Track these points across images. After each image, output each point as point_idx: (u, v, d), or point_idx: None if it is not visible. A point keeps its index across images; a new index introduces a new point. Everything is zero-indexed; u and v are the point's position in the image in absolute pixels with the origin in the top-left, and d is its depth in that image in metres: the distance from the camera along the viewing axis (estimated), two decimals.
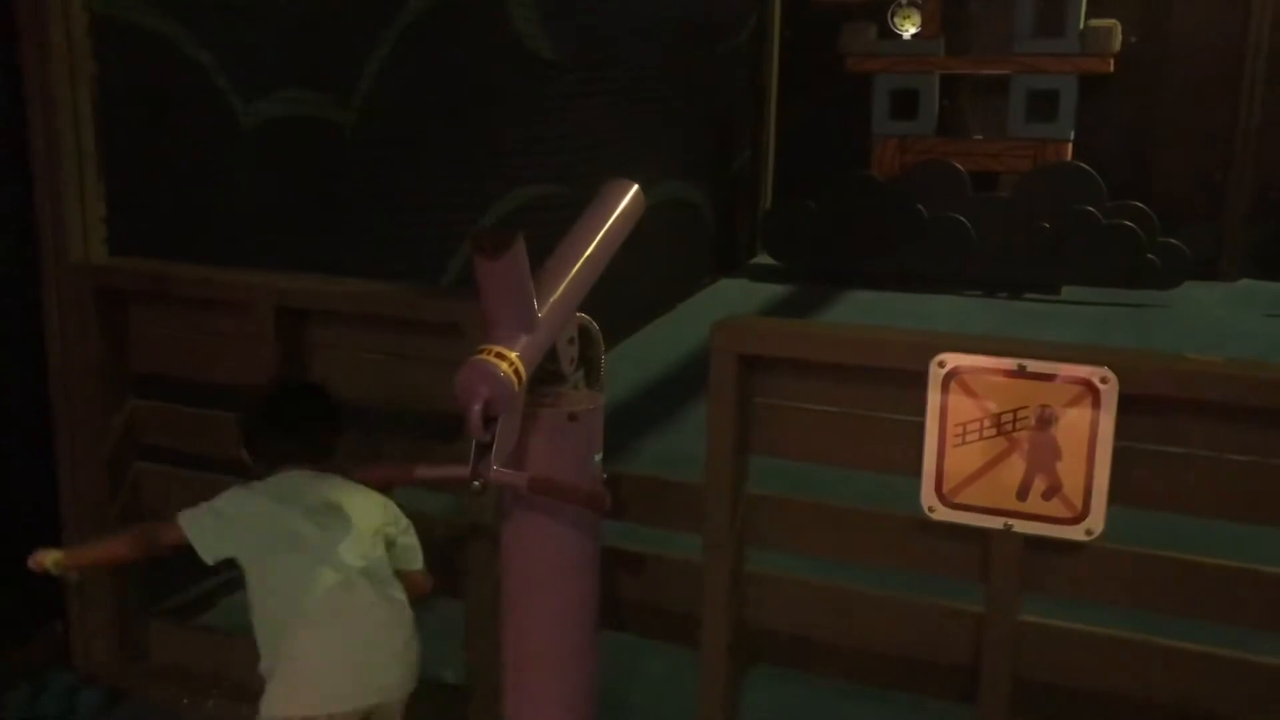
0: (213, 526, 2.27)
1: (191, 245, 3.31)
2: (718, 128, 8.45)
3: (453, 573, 2.52)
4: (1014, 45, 8.20)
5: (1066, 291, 7.85)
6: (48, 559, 2.33)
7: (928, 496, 2.12)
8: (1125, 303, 7.54)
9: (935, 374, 2.06)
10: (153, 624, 3.08)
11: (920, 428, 2.10)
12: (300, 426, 2.38)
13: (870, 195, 8.14)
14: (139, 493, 3.01)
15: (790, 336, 2.27)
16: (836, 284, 8.15)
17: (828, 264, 8.32)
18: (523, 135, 5.44)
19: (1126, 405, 1.96)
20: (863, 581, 2.32)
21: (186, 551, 2.30)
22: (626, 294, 5.97)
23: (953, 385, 2.06)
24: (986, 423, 2.05)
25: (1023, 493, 2.05)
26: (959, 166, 8.04)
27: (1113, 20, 8.03)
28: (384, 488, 2.37)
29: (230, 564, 2.30)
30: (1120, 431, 1.97)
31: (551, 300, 2.04)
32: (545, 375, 2.09)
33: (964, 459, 2.08)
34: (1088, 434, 1.98)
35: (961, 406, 2.06)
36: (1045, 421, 2.01)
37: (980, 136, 8.53)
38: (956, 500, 2.10)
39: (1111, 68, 8.06)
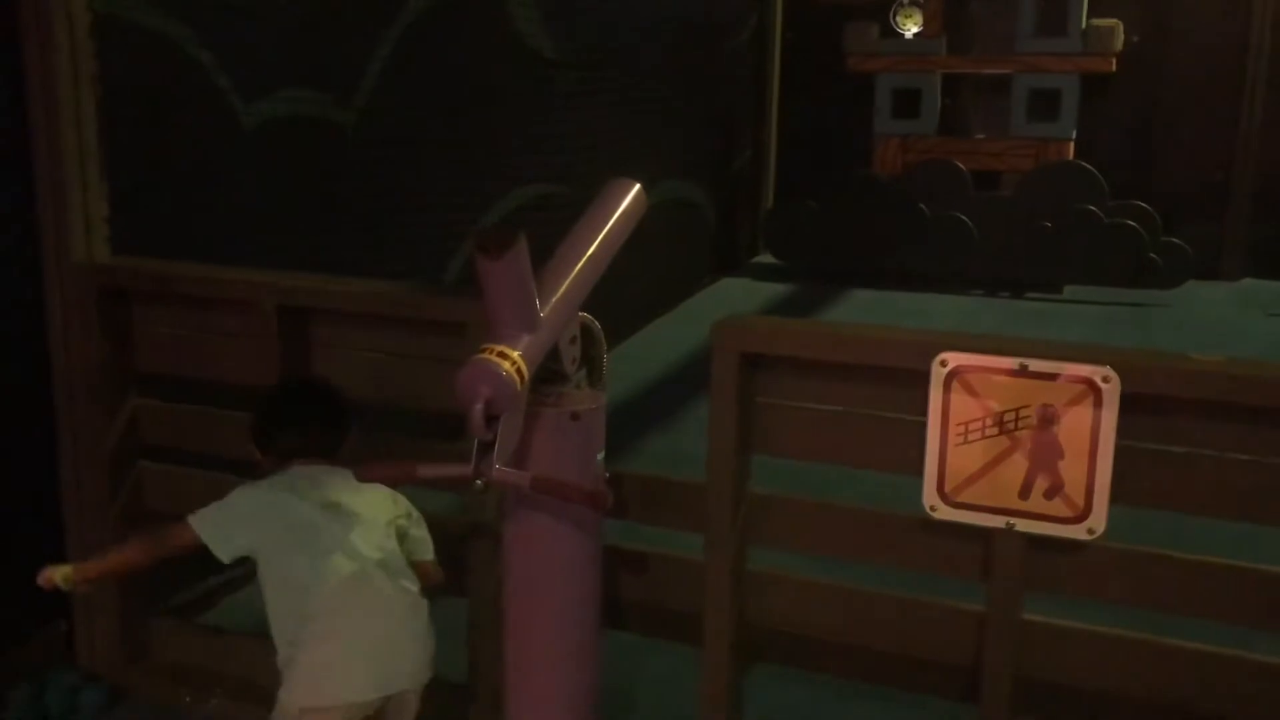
0: (226, 524, 2.29)
1: (193, 244, 3.32)
2: (719, 127, 8.45)
3: (455, 571, 2.52)
4: (1016, 44, 8.20)
5: (1068, 291, 7.85)
6: (57, 574, 2.31)
7: (930, 495, 2.12)
8: (1127, 302, 7.54)
9: (937, 373, 2.07)
10: (155, 623, 3.09)
11: (922, 427, 2.10)
12: (310, 422, 2.42)
13: (872, 194, 8.14)
14: (142, 492, 3.01)
15: (792, 336, 2.27)
16: (838, 283, 8.15)
17: (829, 263, 8.32)
18: (524, 135, 5.44)
19: (1129, 404, 1.96)
20: (865, 580, 2.32)
21: (198, 553, 2.31)
22: (628, 293, 5.98)
23: (955, 384, 2.06)
24: (988, 422, 2.05)
25: (1025, 492, 2.05)
26: (961, 166, 8.04)
27: (1115, 20, 8.03)
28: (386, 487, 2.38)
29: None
30: (1122, 431, 1.97)
31: (553, 299, 2.04)
32: (547, 374, 2.09)
33: (966, 458, 2.08)
34: (1090, 433, 1.98)
35: (963, 406, 2.06)
36: (1047, 421, 2.01)
37: (982, 136, 8.53)
38: (958, 499, 2.10)
39: (1114, 67, 8.06)
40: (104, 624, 3.00)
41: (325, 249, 3.95)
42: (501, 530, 2.23)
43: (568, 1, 5.75)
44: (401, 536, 2.38)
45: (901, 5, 8.55)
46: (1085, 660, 2.13)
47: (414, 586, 2.33)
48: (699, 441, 2.33)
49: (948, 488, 2.10)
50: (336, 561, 2.24)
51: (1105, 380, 1.96)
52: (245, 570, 3.32)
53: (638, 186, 2.29)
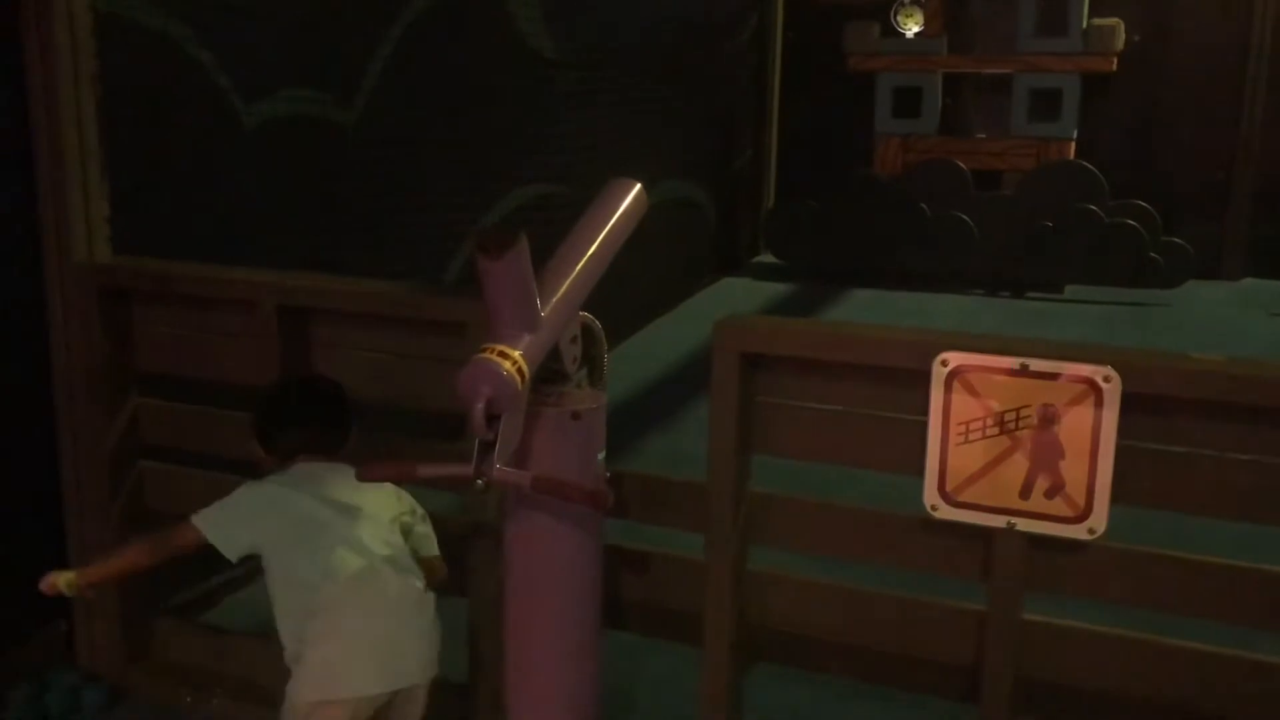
0: (231, 522, 2.30)
1: (194, 244, 3.32)
2: (720, 126, 8.45)
3: (456, 571, 2.52)
4: (1017, 44, 8.20)
5: (1069, 290, 7.85)
6: (60, 580, 2.31)
7: (930, 495, 2.12)
8: (1128, 302, 7.54)
9: (938, 373, 2.07)
10: (156, 622, 3.09)
11: (923, 426, 2.10)
12: (313, 419, 2.44)
13: (873, 194, 8.14)
14: (142, 492, 3.01)
15: (793, 335, 2.27)
16: (839, 283, 8.16)
17: (830, 263, 8.32)
18: (524, 134, 5.44)
19: (1129, 404, 1.96)
20: (865, 580, 2.32)
21: (202, 553, 2.32)
22: (629, 293, 5.98)
23: (955, 384, 2.06)
24: (989, 421, 2.05)
25: (1025, 492, 2.05)
26: (962, 165, 8.04)
27: (1116, 19, 8.03)
28: None
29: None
30: (1123, 430, 1.97)
31: (554, 299, 2.04)
32: (548, 374, 2.09)
33: (967, 458, 2.08)
34: (1090, 433, 1.98)
35: (964, 405, 2.06)
36: (1048, 420, 2.01)
37: (983, 135, 8.53)
38: (959, 499, 2.10)
39: (1114, 67, 8.06)
40: (105, 624, 3.00)
41: (326, 249, 3.96)
42: (502, 530, 2.23)
43: (569, 1, 5.75)
44: (406, 533, 2.40)
45: (902, 5, 8.55)
46: (1086, 660, 2.13)
47: (420, 582, 2.34)
48: (700, 441, 2.33)
49: (949, 487, 2.10)
50: (345, 557, 2.26)
51: (1106, 380, 1.96)
52: (245, 570, 3.34)
53: (638, 186, 2.29)
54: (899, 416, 2.15)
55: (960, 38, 8.52)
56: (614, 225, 2.21)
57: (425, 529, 2.46)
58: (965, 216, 7.85)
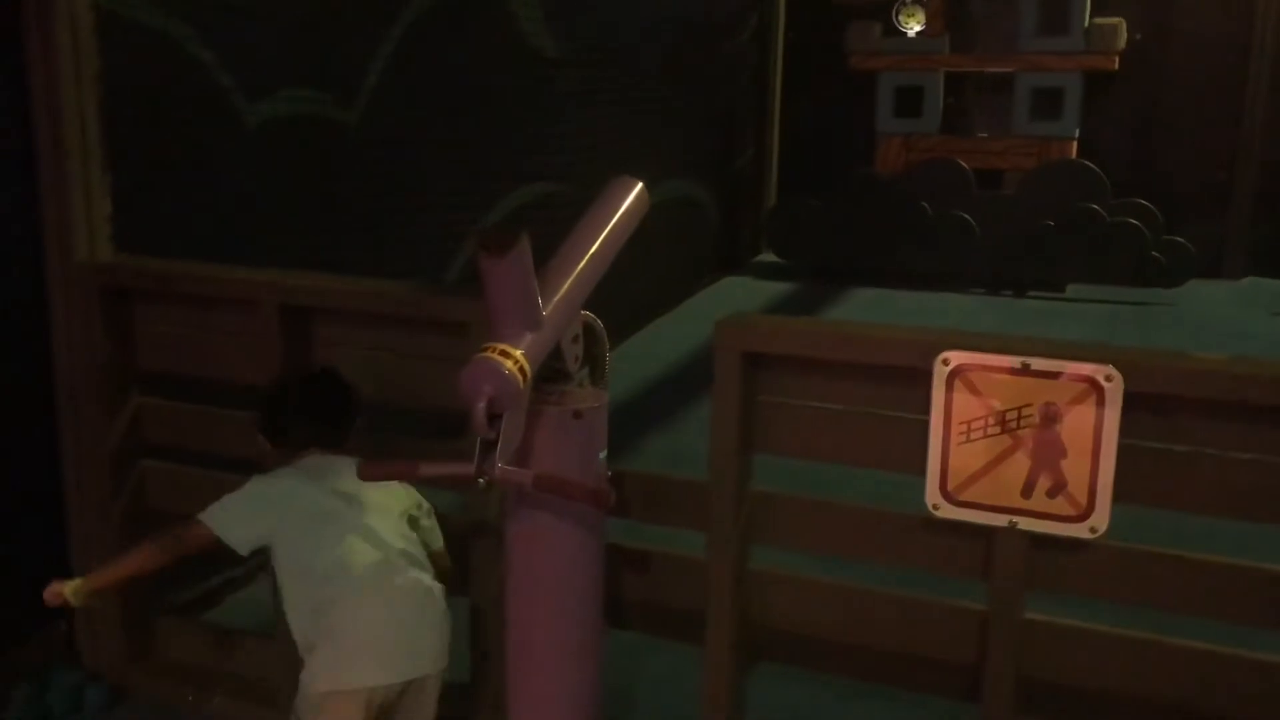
0: (241, 516, 2.32)
1: (196, 243, 3.32)
2: (721, 126, 8.45)
3: (457, 570, 2.53)
4: (1019, 43, 8.21)
5: (1071, 289, 7.85)
6: (66, 589, 2.29)
7: (932, 494, 2.12)
8: (1130, 301, 7.54)
9: (940, 372, 2.06)
10: (158, 621, 3.09)
11: (924, 426, 2.10)
12: (320, 412, 2.44)
13: (874, 193, 8.14)
14: (144, 491, 3.01)
15: (794, 334, 2.27)
16: (840, 282, 8.16)
17: (831, 262, 8.32)
18: (526, 134, 5.44)
19: (1131, 403, 1.96)
20: (867, 579, 2.32)
21: (213, 550, 2.32)
22: (631, 292, 5.98)
23: (957, 383, 2.06)
24: (991, 420, 2.05)
25: (1027, 490, 2.05)
26: (963, 164, 8.04)
27: (1118, 18, 8.03)
28: None
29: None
30: (1125, 429, 1.97)
31: (556, 298, 2.04)
32: (550, 373, 2.09)
33: (968, 457, 2.08)
34: (1092, 432, 1.98)
35: (966, 404, 2.06)
36: (1050, 419, 2.01)
37: (985, 134, 8.53)
38: (961, 498, 2.10)
39: (1116, 65, 8.06)
40: (106, 623, 3.00)
41: (327, 248, 3.96)
42: (504, 529, 2.23)
43: (570, 1, 5.75)
44: (413, 527, 2.42)
45: (904, 4, 8.55)
46: (1087, 659, 2.13)
47: (431, 573, 2.36)
48: (701, 440, 2.33)
49: (950, 486, 2.10)
50: (359, 549, 2.27)
51: (1108, 379, 1.96)
52: (246, 570, 3.34)
53: (640, 185, 2.29)
54: (900, 415, 2.15)
55: (962, 37, 8.53)
56: (615, 224, 2.21)
57: (431, 523, 2.48)
58: (967, 216, 7.85)
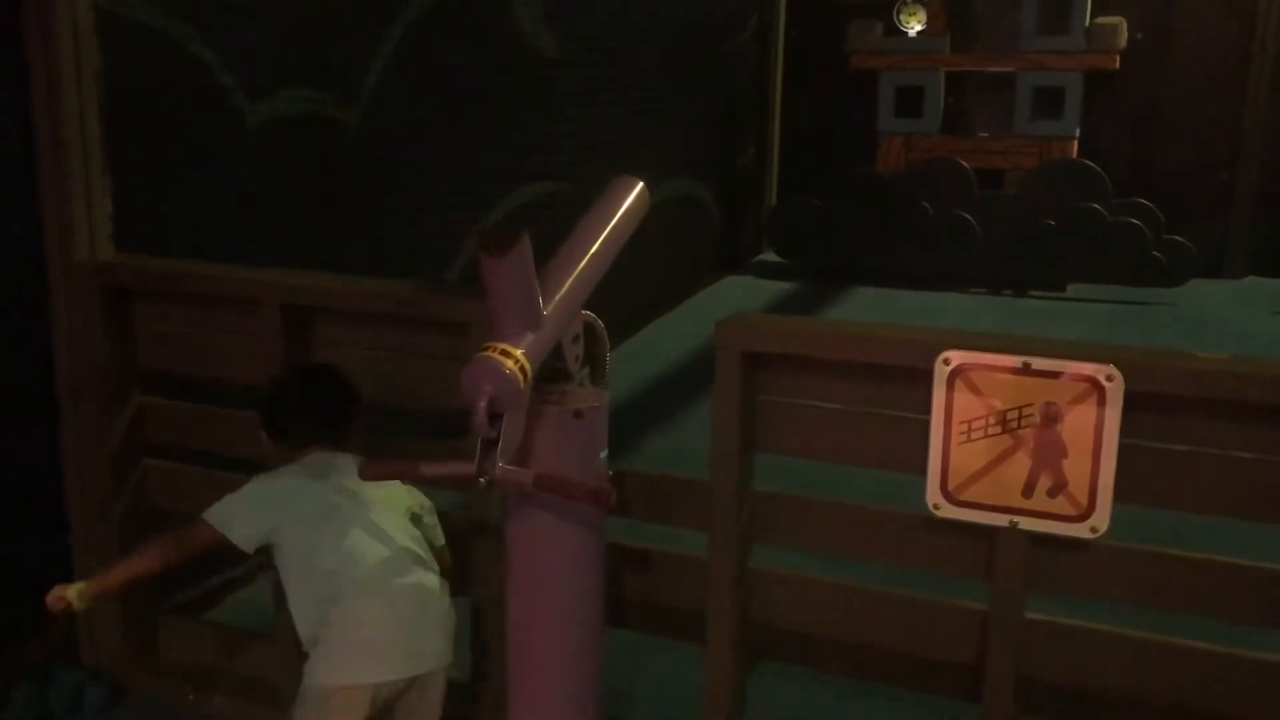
0: (246, 514, 2.32)
1: (197, 242, 3.32)
2: (722, 125, 8.45)
3: (458, 569, 2.53)
4: (1020, 42, 8.20)
5: (1072, 289, 7.85)
6: (70, 593, 2.28)
7: (933, 494, 2.12)
8: (1131, 300, 7.53)
9: (940, 371, 2.06)
10: (158, 621, 3.09)
11: (925, 425, 2.10)
12: (322, 408, 2.45)
13: (875, 192, 8.14)
14: (145, 490, 3.01)
15: (795, 334, 2.27)
16: (841, 281, 8.16)
17: (832, 261, 8.32)
18: (527, 133, 5.44)
19: (1132, 403, 1.96)
20: (868, 579, 2.33)
21: (219, 549, 2.32)
22: (631, 291, 5.98)
23: (958, 383, 2.06)
24: (992, 420, 2.05)
25: (1028, 490, 2.05)
26: (964, 164, 8.03)
27: (1119, 17, 8.03)
28: None
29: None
30: (1126, 429, 1.97)
31: (557, 298, 2.04)
32: (550, 373, 2.10)
33: (969, 456, 2.08)
34: (1093, 431, 1.98)
35: (967, 404, 2.06)
36: (1051, 419, 2.01)
37: (986, 134, 8.53)
38: (962, 498, 2.10)
39: (1117, 65, 8.06)
40: (108, 621, 3.00)
41: (328, 248, 3.96)
42: (504, 528, 2.23)
43: (571, 1, 5.75)
44: (415, 525, 2.43)
45: (905, 3, 8.55)
46: (1088, 659, 2.13)
47: (436, 569, 2.36)
48: (702, 440, 2.33)
49: (951, 486, 2.10)
50: (366, 545, 2.28)
51: (1109, 378, 1.96)
52: (245, 570, 3.34)
53: (641, 184, 2.29)
54: (901, 415, 2.16)
55: (963, 36, 8.52)
56: (616, 224, 2.21)
57: (432, 520, 2.49)
58: (968, 215, 7.84)
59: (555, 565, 2.18)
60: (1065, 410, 2.00)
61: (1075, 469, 2.01)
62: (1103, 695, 2.13)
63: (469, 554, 2.57)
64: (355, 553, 2.26)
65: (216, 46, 3.43)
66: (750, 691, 2.46)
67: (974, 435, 2.07)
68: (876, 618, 2.29)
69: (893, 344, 2.16)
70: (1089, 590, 2.10)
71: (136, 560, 2.38)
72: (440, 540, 2.49)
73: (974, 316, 7.27)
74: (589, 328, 2.18)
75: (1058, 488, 2.03)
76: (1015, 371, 2.03)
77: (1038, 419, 2.02)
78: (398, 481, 2.41)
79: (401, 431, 2.69)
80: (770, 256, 8.81)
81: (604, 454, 2.19)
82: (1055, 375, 2.00)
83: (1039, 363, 2.01)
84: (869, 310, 7.46)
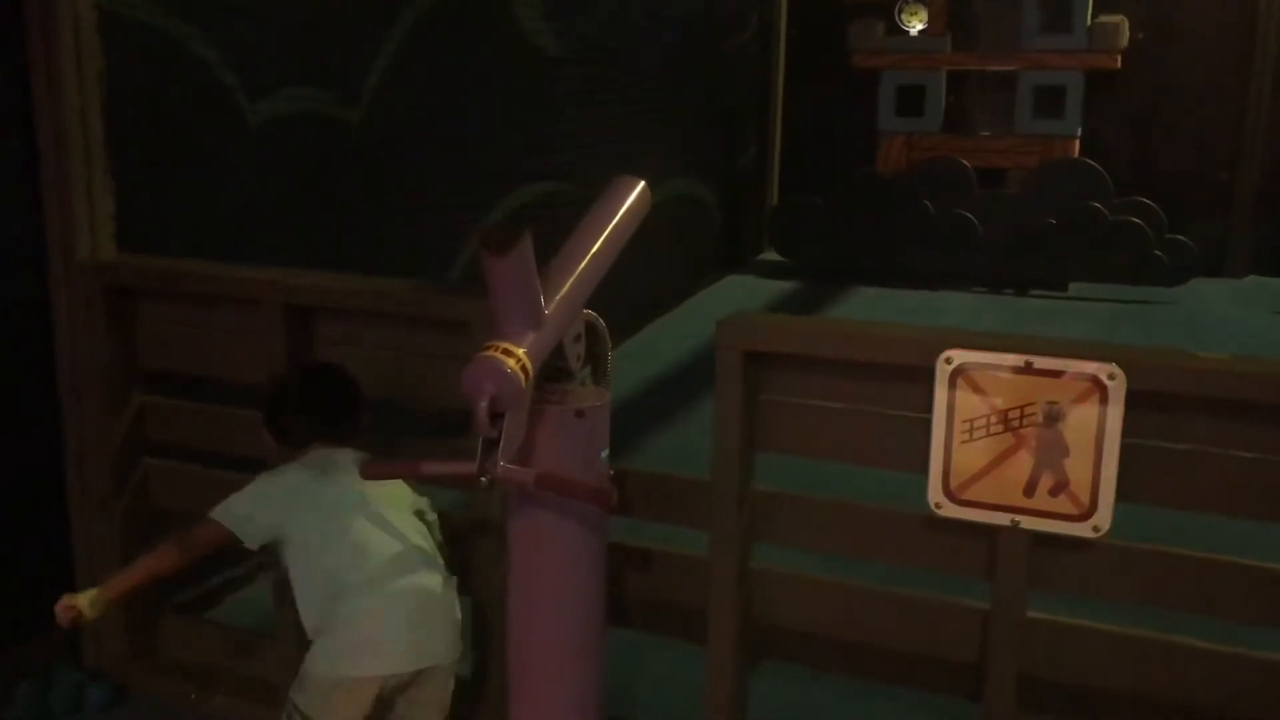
0: (253, 511, 2.34)
1: (199, 242, 3.32)
2: (724, 124, 8.45)
3: (459, 569, 2.53)
4: (1021, 41, 8.20)
5: (1073, 288, 7.84)
6: (81, 601, 2.27)
7: (935, 493, 2.12)
8: (1132, 299, 7.53)
9: (942, 370, 2.06)
10: (160, 620, 3.09)
11: (927, 424, 2.10)
12: (325, 404, 2.46)
13: (876, 192, 8.13)
14: (147, 489, 3.01)
15: (796, 333, 2.27)
16: (842, 280, 8.16)
17: (834, 260, 8.32)
18: (528, 132, 5.44)
19: (1134, 402, 1.96)
20: (869, 578, 2.32)
21: (225, 547, 2.33)
22: (633, 290, 5.98)
23: (960, 382, 2.06)
24: (994, 419, 2.05)
25: (1030, 489, 2.05)
26: (965, 163, 8.03)
27: (1120, 16, 8.02)
28: None
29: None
30: (1128, 428, 1.97)
31: (558, 297, 2.04)
32: (552, 372, 2.09)
33: (971, 455, 2.08)
34: (1095, 430, 1.98)
35: (969, 403, 2.06)
36: (1052, 418, 2.01)
37: (987, 133, 8.53)
38: (963, 497, 2.10)
39: (1119, 64, 8.05)
40: (109, 621, 2.99)
41: (329, 247, 3.96)
42: (506, 527, 2.23)
43: (571, 0, 5.75)
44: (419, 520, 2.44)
45: (906, 2, 8.54)
46: (1090, 658, 2.13)
47: (441, 565, 2.37)
48: (703, 439, 2.33)
49: (953, 485, 2.10)
50: (374, 541, 2.29)
51: (1110, 377, 1.96)
52: (246, 570, 3.35)
53: (642, 184, 2.29)
54: (903, 414, 2.15)
55: (964, 35, 8.52)
56: (618, 223, 2.21)
57: (432, 517, 2.50)
58: (969, 214, 7.84)
59: (556, 564, 2.18)
60: (1067, 409, 2.00)
61: (1077, 468, 2.01)
62: (1104, 694, 2.13)
63: (471, 553, 2.57)
64: (363, 549, 2.27)
65: (218, 46, 3.44)
66: (751, 691, 2.46)
67: (975, 434, 2.07)
68: (878, 617, 2.29)
69: (894, 343, 2.16)
70: (1091, 589, 2.10)
71: (146, 563, 2.38)
72: (437, 537, 2.49)
73: (975, 316, 7.27)
74: (590, 327, 2.18)
75: (1059, 487, 2.03)
76: (1017, 370, 2.02)
77: (1039, 418, 2.02)
78: (398, 481, 2.42)
79: (403, 431, 2.69)
80: (771, 256, 8.81)
81: (605, 453, 2.19)
82: (1057, 374, 2.00)
83: (1041, 362, 2.01)
84: (870, 309, 7.45)
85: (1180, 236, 7.52)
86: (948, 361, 2.06)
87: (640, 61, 6.62)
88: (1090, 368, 1.97)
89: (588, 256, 2.13)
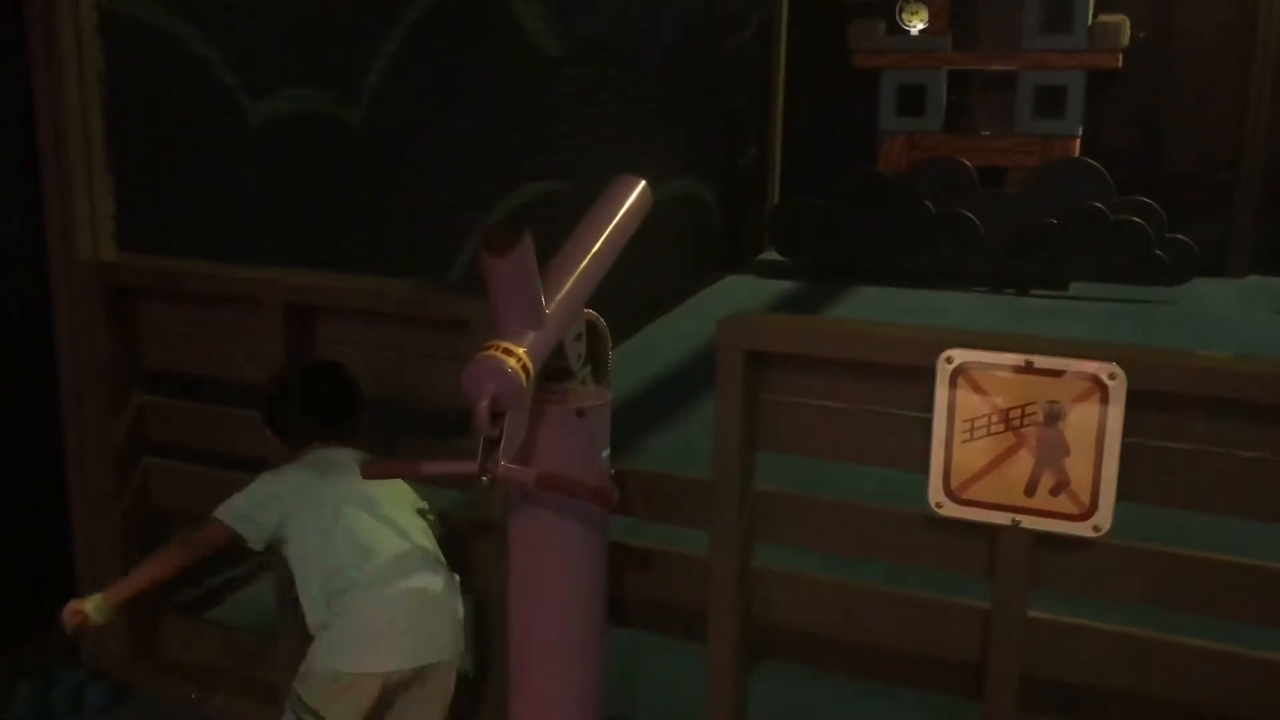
0: (257, 510, 2.35)
1: (199, 241, 3.32)
2: (724, 124, 8.45)
3: (460, 568, 2.53)
4: (1022, 41, 8.20)
5: (1074, 288, 7.84)
6: (87, 606, 2.27)
7: (935, 492, 2.11)
8: (1133, 299, 7.53)
9: (943, 370, 2.06)
10: (161, 620, 3.09)
11: (928, 424, 2.10)
12: (326, 403, 2.46)
13: (877, 191, 8.13)
14: (147, 488, 3.01)
15: (797, 332, 2.27)
16: (843, 280, 8.15)
17: (834, 260, 8.32)
18: (528, 132, 5.44)
19: (1134, 401, 1.96)
20: (870, 578, 2.32)
21: (228, 547, 2.33)
22: (633, 290, 5.97)
23: (961, 381, 2.06)
24: (994, 418, 2.05)
25: (1030, 489, 2.05)
26: (966, 163, 8.03)
27: (1121, 15, 8.02)
28: None
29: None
30: (1128, 427, 1.97)
31: (559, 296, 2.03)
32: (553, 371, 2.09)
33: (972, 455, 2.07)
34: (1096, 430, 1.98)
35: (969, 402, 2.06)
36: (1053, 417, 2.01)
37: (988, 132, 8.52)
38: (964, 496, 2.09)
39: (1120, 63, 8.05)
40: (110, 621, 3.00)
41: (330, 247, 3.96)
42: (506, 527, 2.23)
43: (572, 0, 5.75)
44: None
45: (907, 2, 8.54)
46: (1090, 658, 2.12)
47: (444, 563, 2.37)
48: (704, 438, 2.33)
49: (953, 484, 2.10)
50: (378, 538, 2.29)
51: (1111, 377, 1.96)
52: (246, 570, 3.35)
53: (643, 183, 2.29)
54: (903, 414, 2.15)
55: (965, 35, 8.52)
56: (618, 222, 2.21)
57: (431, 520, 2.50)
58: (970, 214, 7.84)
59: (557, 564, 2.18)
60: (1068, 409, 2.00)
61: (1078, 467, 2.01)
62: (1105, 694, 2.13)
63: (471, 553, 2.57)
64: (365, 548, 2.28)
65: (218, 45, 3.44)
66: (751, 691, 2.46)
67: (976, 434, 2.06)
68: (878, 617, 2.29)
69: (895, 342, 2.16)
70: (1091, 589, 2.10)
71: (151, 568, 2.39)
72: (437, 537, 2.49)
73: (976, 315, 7.26)
74: (591, 326, 2.18)
75: (1060, 486, 2.03)
76: (1018, 370, 2.02)
77: (1040, 417, 2.02)
78: (399, 480, 2.42)
79: (403, 431, 2.69)
80: (772, 255, 8.81)
81: (606, 453, 2.19)
82: (1058, 374, 2.00)
83: (1041, 361, 2.01)
84: (871, 309, 7.45)
85: (1181, 236, 7.52)
86: (948, 361, 2.06)
87: (640, 61, 6.62)
88: (1091, 367, 1.97)
89: (588, 256, 2.13)
